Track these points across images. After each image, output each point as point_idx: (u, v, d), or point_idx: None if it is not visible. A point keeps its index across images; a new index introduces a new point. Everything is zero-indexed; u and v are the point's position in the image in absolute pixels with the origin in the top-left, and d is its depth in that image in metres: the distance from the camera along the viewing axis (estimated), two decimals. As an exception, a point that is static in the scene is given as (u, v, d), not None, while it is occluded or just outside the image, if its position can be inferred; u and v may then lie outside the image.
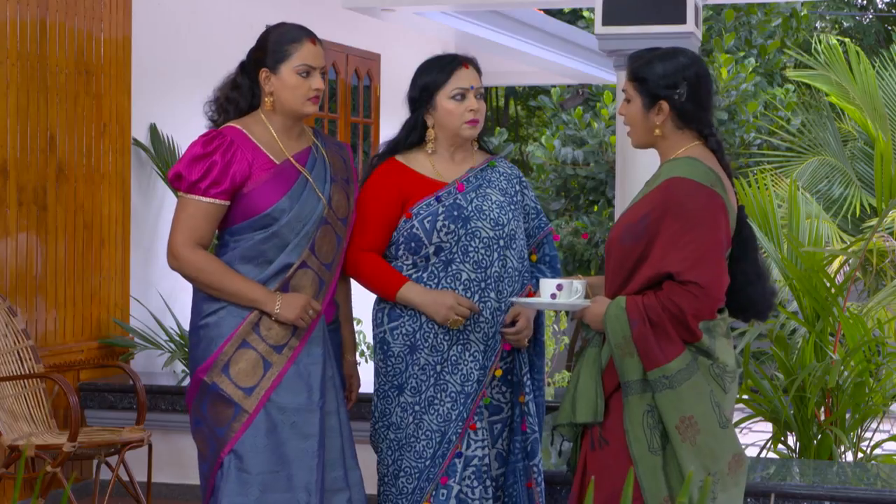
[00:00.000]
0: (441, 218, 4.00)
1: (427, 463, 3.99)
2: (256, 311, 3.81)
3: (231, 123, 3.88)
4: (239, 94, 3.92)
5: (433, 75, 4.06)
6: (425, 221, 4.00)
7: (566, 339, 9.72)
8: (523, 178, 4.21)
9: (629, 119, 3.65)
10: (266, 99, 3.87)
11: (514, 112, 21.34)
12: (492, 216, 4.03)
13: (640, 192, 3.64)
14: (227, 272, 3.80)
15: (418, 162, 4.10)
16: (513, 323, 4.02)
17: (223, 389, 3.79)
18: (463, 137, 4.07)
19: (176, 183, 3.83)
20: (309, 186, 3.87)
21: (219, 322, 3.81)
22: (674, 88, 3.55)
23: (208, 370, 3.80)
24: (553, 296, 3.67)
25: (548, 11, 13.31)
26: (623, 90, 3.67)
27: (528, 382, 4.08)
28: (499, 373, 4.02)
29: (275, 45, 3.86)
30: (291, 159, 3.87)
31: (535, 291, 4.07)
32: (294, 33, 3.88)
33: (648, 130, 3.61)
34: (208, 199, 3.79)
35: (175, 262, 3.83)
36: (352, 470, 3.95)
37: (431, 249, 4.01)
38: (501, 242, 4.03)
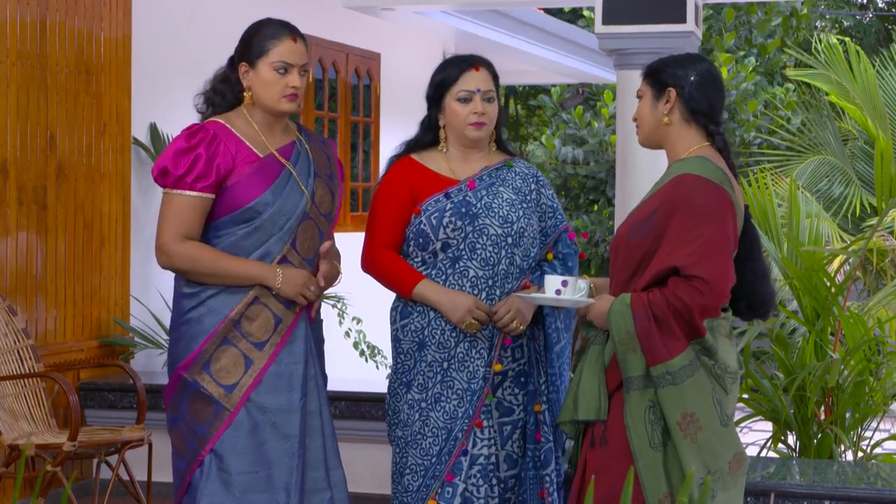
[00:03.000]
0: (448, 214, 4.00)
1: (433, 460, 3.99)
2: (238, 307, 3.78)
3: (214, 118, 3.86)
4: (227, 87, 3.91)
5: (444, 75, 4.08)
6: (432, 217, 4.01)
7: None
8: (541, 178, 4.20)
9: (639, 116, 3.68)
10: (245, 93, 3.87)
11: (515, 111, 21.34)
12: (501, 213, 4.04)
13: (648, 192, 3.66)
14: (220, 256, 3.77)
15: (434, 160, 4.11)
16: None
17: (204, 387, 3.77)
18: (469, 139, 4.07)
19: (161, 179, 3.81)
20: (292, 180, 3.85)
21: (200, 319, 3.79)
22: (684, 78, 3.59)
23: (189, 367, 3.78)
24: (558, 292, 3.68)
25: (548, 11, 13.31)
26: (637, 92, 3.71)
27: (545, 391, 4.07)
28: (497, 367, 4.01)
29: (255, 40, 3.85)
30: (275, 153, 3.86)
31: (531, 285, 4.07)
32: (275, 29, 3.87)
33: (656, 121, 3.62)
34: (195, 193, 3.77)
35: (166, 258, 3.80)
36: (334, 470, 3.93)
37: (438, 245, 4.01)
38: (510, 240, 4.03)
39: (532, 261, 4.09)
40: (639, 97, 3.69)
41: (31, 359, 5.83)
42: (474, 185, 4.06)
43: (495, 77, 4.13)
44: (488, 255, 4.01)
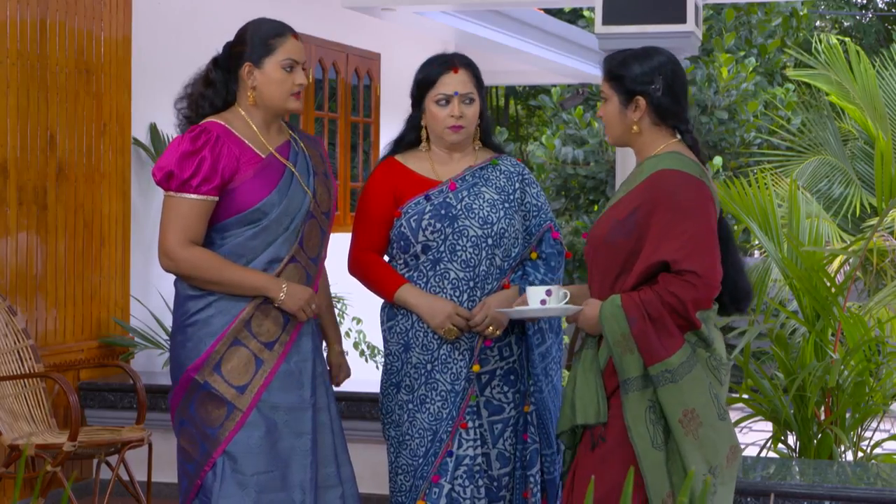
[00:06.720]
0: (427, 217, 3.99)
1: (420, 461, 4.00)
2: (249, 308, 3.77)
3: (211, 119, 3.82)
4: (213, 91, 3.86)
5: (424, 75, 4.06)
6: (412, 220, 4.00)
7: (566, 339, 9.72)
8: (527, 176, 4.16)
9: (606, 118, 3.67)
10: (249, 93, 3.83)
11: (515, 111, 21.34)
12: (481, 215, 4.01)
13: (618, 192, 3.65)
14: (225, 264, 3.75)
15: (418, 161, 4.10)
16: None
17: (215, 388, 3.75)
18: (447, 142, 4.06)
19: (166, 182, 3.76)
20: (295, 180, 3.84)
21: (208, 320, 3.77)
22: (650, 84, 3.57)
23: (199, 369, 3.75)
24: (543, 302, 3.67)
25: (548, 11, 13.31)
26: (600, 91, 3.69)
27: (533, 391, 4.06)
28: (476, 368, 3.99)
29: (258, 39, 3.82)
30: (275, 153, 3.84)
31: (511, 285, 4.05)
32: (278, 28, 3.86)
33: (626, 128, 3.62)
34: (201, 197, 3.73)
35: (170, 262, 3.78)
36: (344, 466, 3.94)
37: (419, 248, 4.00)
38: (490, 241, 4.01)
39: (513, 261, 4.06)
40: (603, 98, 3.67)
41: (31, 359, 5.83)
42: (455, 186, 4.04)
43: (477, 77, 4.07)
44: (468, 256, 3.99)
